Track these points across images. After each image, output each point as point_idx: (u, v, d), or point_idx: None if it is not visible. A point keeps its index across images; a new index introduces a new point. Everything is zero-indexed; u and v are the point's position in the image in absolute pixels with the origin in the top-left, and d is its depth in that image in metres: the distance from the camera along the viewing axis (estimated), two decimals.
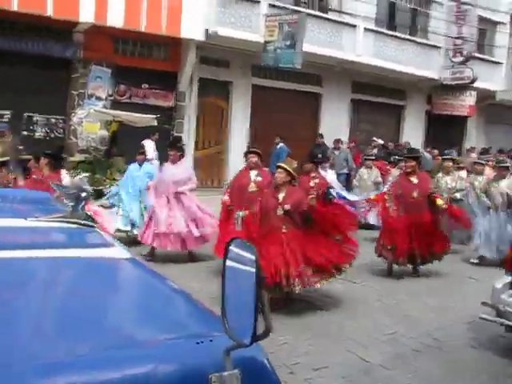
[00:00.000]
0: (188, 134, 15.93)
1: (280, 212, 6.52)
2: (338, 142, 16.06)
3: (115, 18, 13.58)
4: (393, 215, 8.55)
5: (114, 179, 12.26)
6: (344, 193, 11.38)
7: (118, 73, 14.90)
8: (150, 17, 14.03)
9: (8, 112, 13.51)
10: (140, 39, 14.84)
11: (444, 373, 5.17)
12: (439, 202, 8.55)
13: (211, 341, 1.59)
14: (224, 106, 16.90)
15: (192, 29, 14.60)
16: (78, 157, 14.09)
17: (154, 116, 13.11)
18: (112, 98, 15.01)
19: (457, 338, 6.04)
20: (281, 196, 6.63)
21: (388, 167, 13.12)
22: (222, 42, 15.49)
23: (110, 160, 13.57)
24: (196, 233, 8.57)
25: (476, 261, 9.67)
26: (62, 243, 2.37)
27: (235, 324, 1.47)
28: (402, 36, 19.19)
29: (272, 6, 15.87)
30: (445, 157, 11.70)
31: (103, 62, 14.65)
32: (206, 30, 14.86)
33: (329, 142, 16.87)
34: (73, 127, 14.53)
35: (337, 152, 15.59)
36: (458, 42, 19.58)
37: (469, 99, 20.84)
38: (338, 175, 12.73)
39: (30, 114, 14.07)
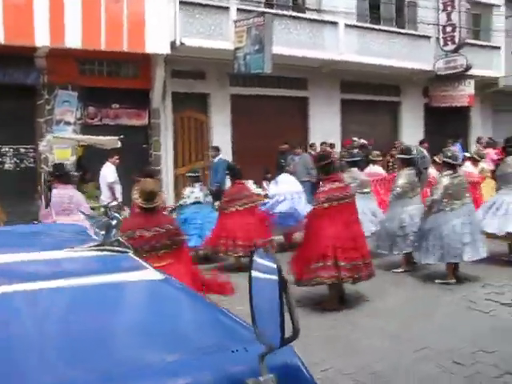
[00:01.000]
0: (166, 152, 15.26)
1: None
2: (294, 147, 14.70)
3: (73, 39, 12.95)
4: None
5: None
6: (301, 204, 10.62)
7: (85, 95, 14.29)
8: (109, 34, 13.39)
9: None
10: (106, 58, 14.25)
11: None
12: None
13: (246, 349, 1.74)
14: (203, 120, 16.19)
15: (157, 43, 13.94)
16: None
17: (117, 137, 12.43)
18: (81, 121, 14.42)
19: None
20: None
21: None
22: (193, 53, 14.82)
23: (83, 185, 12.96)
24: None
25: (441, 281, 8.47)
26: (96, 270, 2.48)
27: (265, 330, 1.61)
28: (388, 29, 18.17)
29: (242, 10, 15.14)
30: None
31: (69, 85, 14.04)
32: (172, 43, 14.21)
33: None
34: (43, 155, 13.99)
35: (296, 158, 14.21)
36: (449, 29, 18.51)
37: (468, 88, 19.72)
38: (301, 183, 11.72)
39: None
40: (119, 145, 12.78)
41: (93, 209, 10.36)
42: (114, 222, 3.01)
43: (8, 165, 13.87)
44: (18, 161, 14.00)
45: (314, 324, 6.30)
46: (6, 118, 13.22)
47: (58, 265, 2.47)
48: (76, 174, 13.12)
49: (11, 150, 13.90)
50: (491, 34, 20.91)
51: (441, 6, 18.65)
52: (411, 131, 19.54)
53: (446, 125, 20.05)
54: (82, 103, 14.36)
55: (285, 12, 16.32)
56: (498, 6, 20.87)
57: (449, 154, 8.56)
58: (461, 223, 8.16)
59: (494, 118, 22.23)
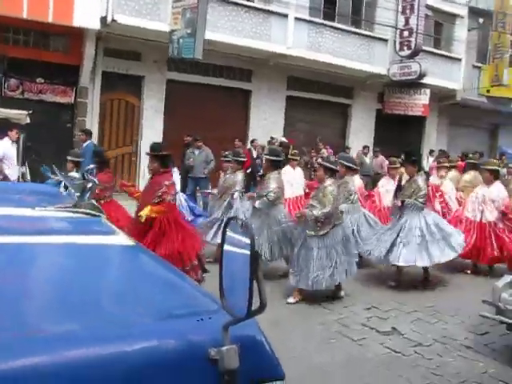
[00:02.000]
0: None
1: None
2: (196, 139, 13.13)
3: None
4: None
5: None
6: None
7: (8, 65, 13.49)
8: (33, 2, 12.57)
9: None
10: (34, 28, 13.42)
11: None
12: None
13: (210, 318, 1.76)
14: (135, 103, 15.40)
15: (86, 16, 13.11)
16: None
17: (26, 112, 11.63)
18: (1, 93, 13.59)
19: None
20: None
21: None
22: (128, 32, 14.05)
23: None
24: None
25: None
26: (66, 230, 2.50)
27: (232, 301, 1.62)
28: (342, 27, 17.45)
29: None
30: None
31: None
32: (103, 18, 13.41)
33: (263, 142, 15.40)
34: None
35: (197, 152, 12.95)
36: (406, 33, 17.88)
37: (424, 98, 19.15)
38: (196, 180, 10.74)
39: None
40: (28, 120, 11.98)
41: None
42: (89, 185, 3.13)
43: None
44: None
45: None
46: None
47: (29, 222, 2.48)
48: None
49: None
50: (452, 45, 20.33)
51: (400, 9, 18.02)
52: (360, 136, 18.95)
53: (398, 133, 19.48)
54: (1, 73, 13.53)
55: None
56: (462, 16, 20.24)
57: (331, 159, 7.83)
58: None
59: (449, 132, 21.68)
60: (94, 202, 2.95)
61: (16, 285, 1.87)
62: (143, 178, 14.00)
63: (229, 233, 1.70)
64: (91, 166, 9.50)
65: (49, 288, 1.93)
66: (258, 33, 15.73)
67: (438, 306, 7.42)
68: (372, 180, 15.69)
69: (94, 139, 14.52)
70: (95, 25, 13.32)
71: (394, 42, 18.34)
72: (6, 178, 10.18)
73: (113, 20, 13.49)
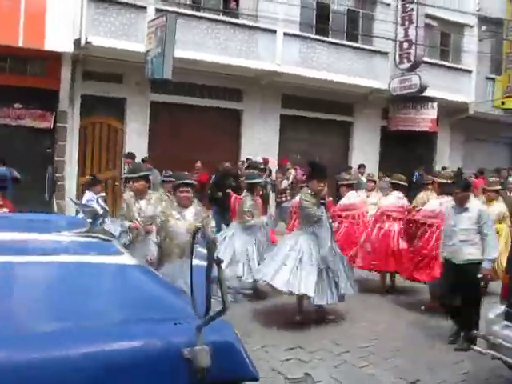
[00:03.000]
0: (70, 158, 14.13)
1: None
2: (144, 160, 12.81)
3: None
4: None
5: None
6: None
7: None
8: (2, 26, 12.40)
9: None
10: (10, 54, 13.25)
11: None
12: None
13: (187, 323, 2.17)
14: (118, 126, 15.02)
15: (58, 40, 12.86)
16: None
17: None
18: None
19: None
20: None
21: None
22: (106, 54, 13.71)
23: None
24: None
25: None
26: (74, 251, 3.01)
27: (199, 305, 2.08)
28: (337, 42, 16.75)
29: (159, 10, 14.00)
30: None
31: None
32: (77, 41, 13.14)
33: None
34: None
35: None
36: (405, 45, 17.01)
37: (432, 112, 18.12)
38: None
39: None
40: None
41: None
42: (100, 212, 3.45)
43: None
44: None
45: None
46: None
47: (42, 244, 3.01)
48: None
49: None
50: (462, 56, 19.31)
51: (399, 21, 17.21)
52: (364, 155, 18.03)
53: (406, 151, 18.51)
54: None
55: (216, 17, 15.14)
56: (471, 26, 19.22)
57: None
58: None
59: (464, 147, 20.51)
60: (104, 227, 3.36)
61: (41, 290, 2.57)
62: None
63: (198, 249, 2.13)
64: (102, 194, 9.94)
65: (58, 293, 2.54)
66: (244, 50, 15.22)
67: (376, 345, 6.52)
68: None
69: (75, 164, 14.29)
70: (69, 48, 13.05)
71: (395, 55, 17.51)
72: None
73: (87, 42, 13.21)
